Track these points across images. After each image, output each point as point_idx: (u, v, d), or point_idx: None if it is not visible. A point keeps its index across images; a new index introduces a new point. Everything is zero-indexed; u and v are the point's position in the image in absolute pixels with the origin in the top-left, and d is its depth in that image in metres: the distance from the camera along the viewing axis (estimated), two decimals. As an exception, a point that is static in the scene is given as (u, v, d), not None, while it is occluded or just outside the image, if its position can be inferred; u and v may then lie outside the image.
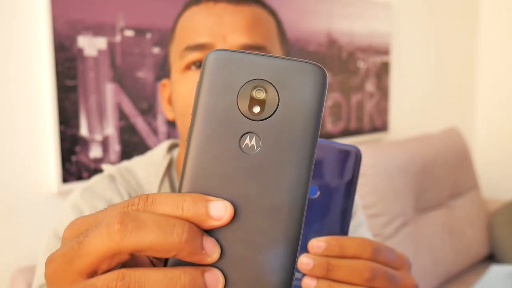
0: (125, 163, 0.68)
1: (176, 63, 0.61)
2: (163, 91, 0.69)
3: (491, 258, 1.98)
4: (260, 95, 0.23)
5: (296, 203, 0.22)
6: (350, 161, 0.38)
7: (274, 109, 0.23)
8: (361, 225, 0.73)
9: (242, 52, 0.23)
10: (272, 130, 0.22)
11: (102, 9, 1.11)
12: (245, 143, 0.22)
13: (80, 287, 0.24)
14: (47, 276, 0.25)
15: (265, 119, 0.23)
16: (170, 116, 0.67)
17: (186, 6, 0.63)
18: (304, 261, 0.36)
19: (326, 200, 0.38)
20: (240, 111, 0.23)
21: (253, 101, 0.23)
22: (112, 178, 0.64)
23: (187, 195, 0.23)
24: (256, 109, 0.23)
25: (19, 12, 1.02)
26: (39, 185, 1.07)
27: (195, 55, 0.58)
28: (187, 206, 0.23)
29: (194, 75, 0.59)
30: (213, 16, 0.58)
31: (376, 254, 0.37)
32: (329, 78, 1.70)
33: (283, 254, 0.22)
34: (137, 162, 0.68)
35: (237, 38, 0.57)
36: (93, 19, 1.09)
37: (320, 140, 0.36)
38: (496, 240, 1.92)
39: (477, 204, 1.96)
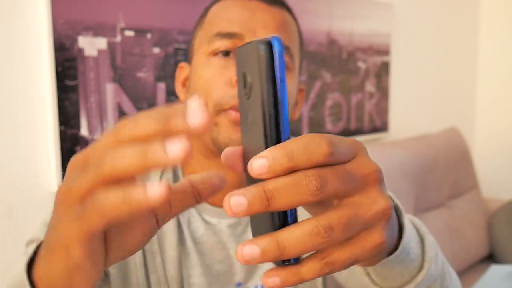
0: None
1: (203, 47, 0.65)
2: (180, 73, 0.72)
3: (491, 258, 1.98)
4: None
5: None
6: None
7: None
8: None
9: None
10: (252, 92, 0.32)
11: (102, 9, 1.11)
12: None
13: None
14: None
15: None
16: (182, 97, 0.71)
17: None
18: (236, 202, 0.28)
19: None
20: None
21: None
22: None
23: None
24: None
25: (19, 12, 1.02)
26: (39, 185, 1.07)
27: (224, 43, 0.62)
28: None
29: (220, 62, 0.62)
30: (247, 11, 0.63)
31: (333, 150, 0.29)
32: (329, 78, 1.71)
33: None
34: None
35: (266, 35, 0.61)
36: (93, 19, 1.09)
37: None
38: (496, 240, 1.92)
39: (477, 204, 1.96)
